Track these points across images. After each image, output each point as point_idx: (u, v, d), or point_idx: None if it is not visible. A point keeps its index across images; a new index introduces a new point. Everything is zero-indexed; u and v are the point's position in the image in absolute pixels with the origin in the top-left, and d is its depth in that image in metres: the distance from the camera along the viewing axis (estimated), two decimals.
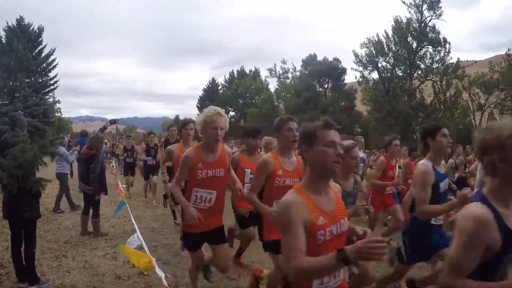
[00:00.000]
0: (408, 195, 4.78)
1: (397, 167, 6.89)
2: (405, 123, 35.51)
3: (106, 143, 19.62)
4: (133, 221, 6.48)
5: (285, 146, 3.78)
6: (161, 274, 3.77)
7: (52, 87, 41.03)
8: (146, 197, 11.36)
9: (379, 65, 39.29)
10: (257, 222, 4.08)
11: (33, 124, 31.26)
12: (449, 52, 36.75)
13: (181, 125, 5.67)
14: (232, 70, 59.56)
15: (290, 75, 50.07)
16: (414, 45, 37.31)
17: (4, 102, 37.28)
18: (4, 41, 37.56)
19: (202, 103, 56.91)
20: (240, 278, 5.12)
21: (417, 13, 36.74)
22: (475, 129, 36.31)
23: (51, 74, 40.93)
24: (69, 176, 11.60)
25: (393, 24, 37.99)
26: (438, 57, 37.04)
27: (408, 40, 37.40)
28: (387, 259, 4.39)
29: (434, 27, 36.62)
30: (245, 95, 53.20)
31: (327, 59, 47.34)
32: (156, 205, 10.35)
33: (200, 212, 3.69)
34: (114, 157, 20.24)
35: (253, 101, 51.93)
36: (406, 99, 37.37)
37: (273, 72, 50.43)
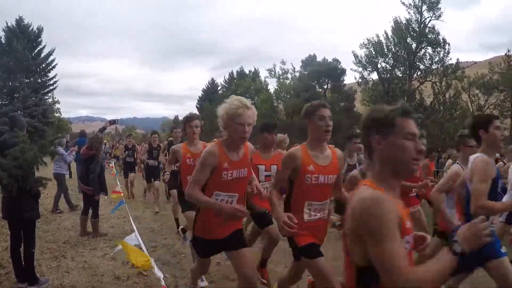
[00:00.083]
0: (455, 193, 4.17)
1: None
2: None
3: (105, 144, 19.53)
4: (132, 221, 6.48)
5: (316, 137, 3.28)
6: (160, 275, 3.75)
7: (51, 87, 41.17)
8: (145, 197, 11.34)
9: (379, 65, 39.32)
10: None
11: (32, 124, 31.29)
12: (448, 53, 36.78)
13: (185, 120, 5.01)
14: (232, 71, 59.65)
15: (289, 75, 50.08)
16: (414, 46, 37.34)
17: (3, 102, 37.34)
18: (3, 42, 37.64)
19: (201, 104, 56.97)
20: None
21: (417, 14, 36.79)
22: None
23: (51, 75, 41.14)
24: (67, 176, 11.62)
25: (393, 24, 38.05)
26: (437, 58, 37.09)
27: (408, 41, 37.43)
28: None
29: (433, 28, 36.68)
30: (244, 95, 53.09)
31: (327, 59, 47.37)
32: (159, 211, 9.73)
33: (217, 218, 3.15)
34: (113, 158, 20.07)
35: (253, 101, 51.73)
36: (405, 100, 37.35)
37: (273, 73, 50.45)
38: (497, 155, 11.36)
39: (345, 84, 46.90)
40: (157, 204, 10.14)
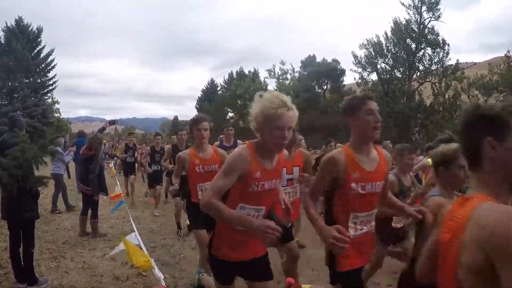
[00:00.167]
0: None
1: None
2: (404, 125, 35.53)
3: (105, 144, 19.47)
4: (132, 221, 6.47)
5: (363, 135, 2.70)
6: (160, 275, 3.75)
7: (51, 87, 41.14)
8: (146, 197, 11.34)
9: (378, 66, 39.38)
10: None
11: (32, 124, 31.33)
12: (448, 53, 36.84)
13: (192, 122, 4.45)
14: (231, 71, 59.86)
15: (289, 76, 50.19)
16: (413, 46, 37.37)
17: (3, 102, 37.33)
18: (3, 42, 37.59)
19: (201, 104, 56.98)
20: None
21: (416, 15, 36.82)
22: None
23: (50, 75, 41.13)
24: (66, 176, 11.60)
25: (392, 25, 38.09)
26: (437, 58, 37.13)
27: (407, 41, 37.47)
28: None
29: (433, 28, 36.72)
30: (244, 96, 53.19)
31: (326, 60, 47.50)
32: (158, 215, 9.40)
33: (240, 235, 2.62)
34: (113, 159, 20.00)
35: (252, 102, 51.85)
36: (405, 100, 37.40)
37: (272, 73, 50.54)
38: None
39: (344, 85, 47.03)
40: (158, 208, 9.83)
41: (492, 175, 1.40)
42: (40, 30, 39.85)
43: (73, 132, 38.68)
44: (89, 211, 7.32)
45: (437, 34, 36.60)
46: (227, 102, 53.96)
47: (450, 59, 36.98)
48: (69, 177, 14.16)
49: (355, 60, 40.39)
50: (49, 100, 41.36)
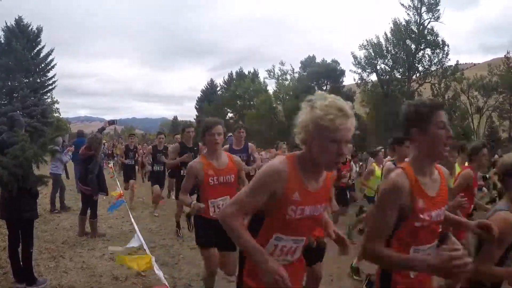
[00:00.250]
0: None
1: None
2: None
3: (104, 144, 19.39)
4: (133, 220, 6.46)
5: (432, 154, 2.12)
6: (160, 273, 3.74)
7: (50, 87, 41.19)
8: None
9: (378, 67, 39.44)
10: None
11: (31, 124, 31.33)
12: (447, 54, 36.92)
13: (204, 127, 3.90)
14: (231, 71, 59.92)
15: (288, 76, 50.22)
16: (413, 47, 37.42)
17: (2, 102, 37.32)
18: (2, 41, 37.61)
19: (201, 104, 57.04)
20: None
21: (416, 15, 36.87)
22: (473, 132, 36.43)
23: (50, 74, 41.20)
24: (64, 176, 11.57)
25: (392, 26, 38.14)
26: (436, 59, 37.20)
27: (407, 42, 37.51)
28: None
29: (432, 29, 36.77)
30: (243, 96, 53.25)
31: (326, 60, 47.53)
32: (158, 215, 9.28)
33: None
34: (113, 158, 19.91)
35: (252, 102, 51.99)
36: (404, 101, 37.39)
37: (272, 74, 50.57)
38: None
39: (344, 85, 47.08)
40: (157, 207, 9.68)
41: None
42: (40, 30, 39.90)
43: (72, 132, 38.68)
44: (89, 211, 7.32)
45: (437, 35, 36.70)
46: (227, 102, 54.05)
47: (449, 59, 37.13)
48: (67, 177, 14.15)
49: (354, 60, 40.51)
50: (49, 100, 41.41)
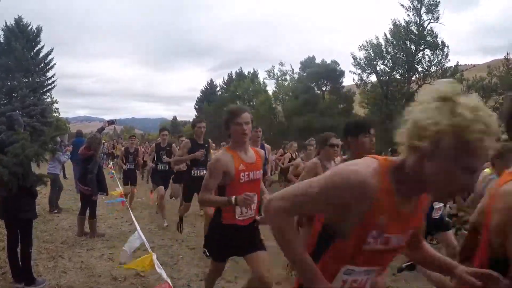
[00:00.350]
0: None
1: None
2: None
3: (104, 144, 19.30)
4: (134, 219, 6.44)
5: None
6: (161, 271, 3.73)
7: (50, 87, 41.08)
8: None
9: (378, 68, 39.48)
10: None
11: (31, 124, 31.30)
12: (447, 55, 36.97)
13: (228, 116, 3.32)
14: (231, 72, 59.90)
15: (288, 77, 50.25)
16: (413, 48, 37.46)
17: (2, 102, 37.26)
18: (2, 41, 37.57)
19: (200, 105, 57.05)
20: (237, 279, 5.09)
21: (415, 16, 36.92)
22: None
23: (49, 74, 41.09)
24: (62, 176, 11.54)
25: (392, 27, 38.18)
26: (436, 60, 37.25)
27: (407, 43, 37.56)
28: None
29: (432, 30, 36.81)
30: (243, 96, 53.26)
31: (325, 61, 47.55)
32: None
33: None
34: (113, 159, 19.76)
35: (251, 103, 52.01)
36: (404, 102, 37.46)
37: (271, 74, 50.60)
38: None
39: (343, 86, 47.10)
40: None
41: None
42: (39, 30, 39.85)
43: (72, 132, 38.67)
44: (88, 211, 7.32)
45: (436, 36, 36.74)
46: (226, 103, 53.98)
47: (449, 60, 37.19)
48: (64, 177, 14.12)
49: (354, 61, 40.58)
50: (48, 100, 41.29)
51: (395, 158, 1.50)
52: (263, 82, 53.51)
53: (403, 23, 37.50)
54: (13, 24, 38.27)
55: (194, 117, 59.54)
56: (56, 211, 9.25)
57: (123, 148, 11.56)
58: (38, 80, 39.36)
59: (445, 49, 36.84)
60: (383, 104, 37.50)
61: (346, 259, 1.54)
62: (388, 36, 38.47)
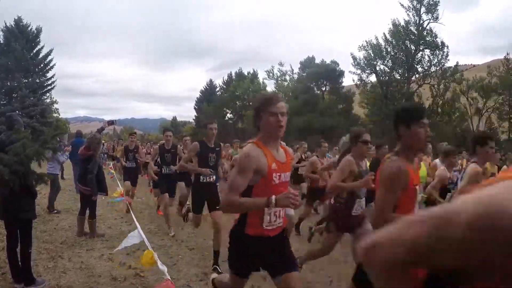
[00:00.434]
0: None
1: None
2: None
3: (103, 144, 19.23)
4: (134, 218, 6.43)
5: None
6: (163, 268, 3.73)
7: (49, 87, 41.08)
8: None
9: (377, 68, 39.49)
10: None
11: (30, 124, 31.30)
12: (447, 55, 36.98)
13: (261, 104, 2.81)
14: (230, 72, 59.78)
15: (287, 77, 50.26)
16: (413, 48, 37.48)
17: (1, 102, 37.27)
18: (2, 42, 37.60)
19: (200, 105, 57.00)
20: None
21: (415, 16, 36.93)
22: (472, 134, 36.41)
23: (49, 75, 41.08)
24: (59, 177, 11.51)
25: (391, 27, 38.20)
26: (436, 60, 37.27)
27: (406, 43, 37.58)
28: None
29: (431, 30, 36.84)
30: (243, 97, 53.25)
31: (325, 61, 47.58)
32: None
33: None
34: (113, 160, 19.64)
35: (251, 103, 51.97)
36: (404, 102, 37.48)
37: (271, 74, 50.61)
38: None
39: (343, 86, 47.13)
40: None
41: None
42: (39, 30, 39.86)
43: (71, 132, 38.66)
44: (87, 211, 7.32)
45: (436, 36, 36.76)
46: (226, 103, 54.01)
47: (449, 60, 37.21)
48: (62, 177, 14.11)
49: (354, 61, 40.58)
50: (48, 100, 41.31)
51: None
52: (263, 82, 53.59)
53: (402, 23, 37.56)
54: (13, 25, 38.29)
55: (194, 117, 59.73)
56: (55, 211, 9.25)
57: (122, 147, 11.08)
58: (38, 81, 39.37)
59: (445, 49, 36.91)
60: (382, 104, 37.51)
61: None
62: (388, 36, 38.51)
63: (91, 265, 5.62)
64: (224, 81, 58.81)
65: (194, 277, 5.19)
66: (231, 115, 54.97)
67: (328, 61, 47.36)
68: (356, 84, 41.65)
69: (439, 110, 37.13)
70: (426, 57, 37.60)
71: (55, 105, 42.99)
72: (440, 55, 36.99)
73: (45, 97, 40.93)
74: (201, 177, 5.78)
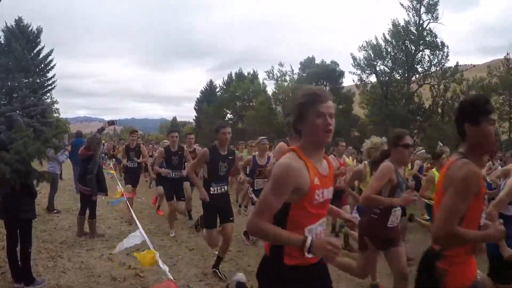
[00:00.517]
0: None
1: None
2: (403, 127, 35.58)
3: (104, 144, 19.18)
4: (135, 218, 6.43)
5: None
6: (165, 267, 3.73)
7: (50, 87, 41.14)
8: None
9: (377, 68, 39.47)
10: None
11: (31, 124, 31.25)
12: (447, 55, 36.97)
13: (307, 99, 2.16)
14: (230, 72, 59.71)
15: (287, 77, 50.20)
16: (413, 48, 37.48)
17: (2, 102, 37.29)
18: (2, 42, 37.63)
19: (200, 105, 56.97)
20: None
21: (415, 16, 36.93)
22: None
23: (49, 75, 41.16)
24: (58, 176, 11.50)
25: (391, 27, 38.20)
26: (436, 60, 37.26)
27: (406, 43, 37.57)
28: None
29: (431, 30, 36.84)
30: (243, 97, 53.22)
31: (325, 62, 47.57)
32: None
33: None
34: (114, 160, 19.54)
35: (251, 103, 51.96)
36: (404, 102, 37.47)
37: (271, 75, 50.55)
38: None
39: (343, 87, 47.09)
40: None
41: None
42: (39, 31, 39.90)
43: (71, 132, 38.70)
44: (87, 211, 7.32)
45: (436, 36, 36.75)
46: (226, 103, 53.96)
47: (449, 60, 37.21)
48: (60, 177, 14.09)
49: (354, 62, 40.54)
50: (48, 100, 41.35)
51: None
52: (263, 83, 53.46)
53: (402, 23, 37.55)
54: (13, 25, 38.34)
55: (194, 118, 59.69)
56: (55, 211, 9.25)
57: (123, 146, 10.63)
58: (38, 81, 39.40)
59: (445, 49, 36.88)
60: (383, 105, 37.49)
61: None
62: (388, 36, 38.50)
63: (91, 265, 5.62)
64: (224, 82, 58.79)
65: (194, 277, 5.19)
66: (231, 115, 54.92)
67: (328, 62, 47.36)
68: (356, 85, 41.63)
69: (439, 110, 37.12)
70: (426, 57, 37.62)
71: (55, 105, 43.11)
72: (440, 55, 36.99)
73: (46, 97, 40.98)
74: (210, 188, 5.28)
